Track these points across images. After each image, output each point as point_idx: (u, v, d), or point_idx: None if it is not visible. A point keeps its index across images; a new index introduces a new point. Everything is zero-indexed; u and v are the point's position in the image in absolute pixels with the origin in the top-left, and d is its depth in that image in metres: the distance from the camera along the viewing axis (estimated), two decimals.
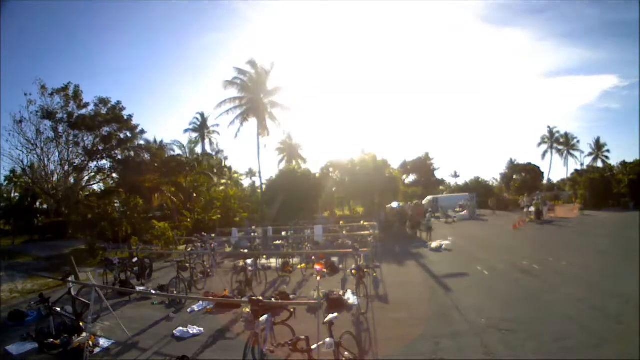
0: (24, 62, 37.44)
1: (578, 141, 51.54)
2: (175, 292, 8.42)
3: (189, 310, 7.53)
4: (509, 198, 37.90)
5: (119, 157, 26.44)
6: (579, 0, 63.10)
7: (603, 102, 76.61)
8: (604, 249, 11.96)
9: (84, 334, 5.63)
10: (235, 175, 41.89)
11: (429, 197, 34.10)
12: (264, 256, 12.47)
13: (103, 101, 25.36)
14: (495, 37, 75.90)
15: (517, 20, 71.64)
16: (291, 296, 8.10)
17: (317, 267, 7.03)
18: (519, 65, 78.85)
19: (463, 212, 27.42)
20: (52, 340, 5.72)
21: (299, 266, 11.41)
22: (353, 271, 7.60)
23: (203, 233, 16.40)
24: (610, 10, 64.36)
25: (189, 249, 13.67)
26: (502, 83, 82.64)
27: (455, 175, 64.13)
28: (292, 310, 5.12)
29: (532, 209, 17.43)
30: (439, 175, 50.70)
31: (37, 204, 27.91)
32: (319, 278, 6.84)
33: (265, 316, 4.41)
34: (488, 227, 21.66)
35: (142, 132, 27.45)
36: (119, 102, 25.88)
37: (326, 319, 4.21)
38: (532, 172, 45.96)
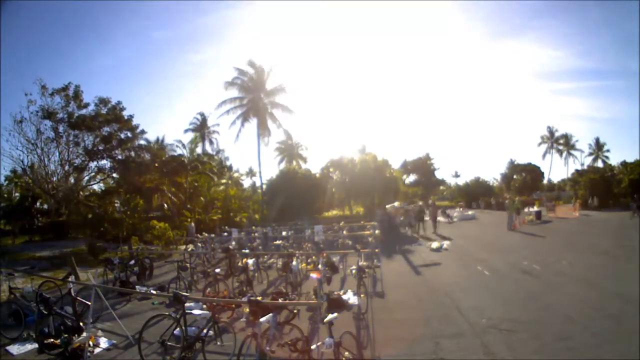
0: (24, 62, 37.38)
1: (577, 141, 51.68)
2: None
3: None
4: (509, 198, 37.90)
5: (119, 157, 26.35)
6: (580, 0, 62.99)
7: (603, 102, 76.53)
8: (605, 248, 11.94)
9: (84, 334, 5.61)
10: (236, 175, 41.90)
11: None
12: (265, 256, 12.47)
13: (103, 101, 25.28)
14: (495, 36, 75.81)
15: (518, 19, 71.49)
16: (292, 295, 8.07)
17: (314, 275, 6.99)
18: (519, 65, 78.80)
19: (468, 212, 27.48)
20: (52, 340, 5.69)
21: (300, 266, 11.38)
22: (353, 271, 7.58)
23: (204, 233, 16.42)
24: (610, 12, 64.27)
25: (189, 249, 13.68)
26: (502, 83, 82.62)
27: (456, 175, 64.25)
28: (295, 311, 5.09)
29: (510, 214, 17.20)
30: (439, 175, 50.63)
31: (38, 204, 27.89)
32: (315, 284, 6.80)
33: (269, 315, 4.39)
34: (487, 227, 21.66)
35: (143, 132, 27.31)
36: (119, 102, 25.78)
37: (326, 319, 4.19)
38: (532, 172, 45.96)
